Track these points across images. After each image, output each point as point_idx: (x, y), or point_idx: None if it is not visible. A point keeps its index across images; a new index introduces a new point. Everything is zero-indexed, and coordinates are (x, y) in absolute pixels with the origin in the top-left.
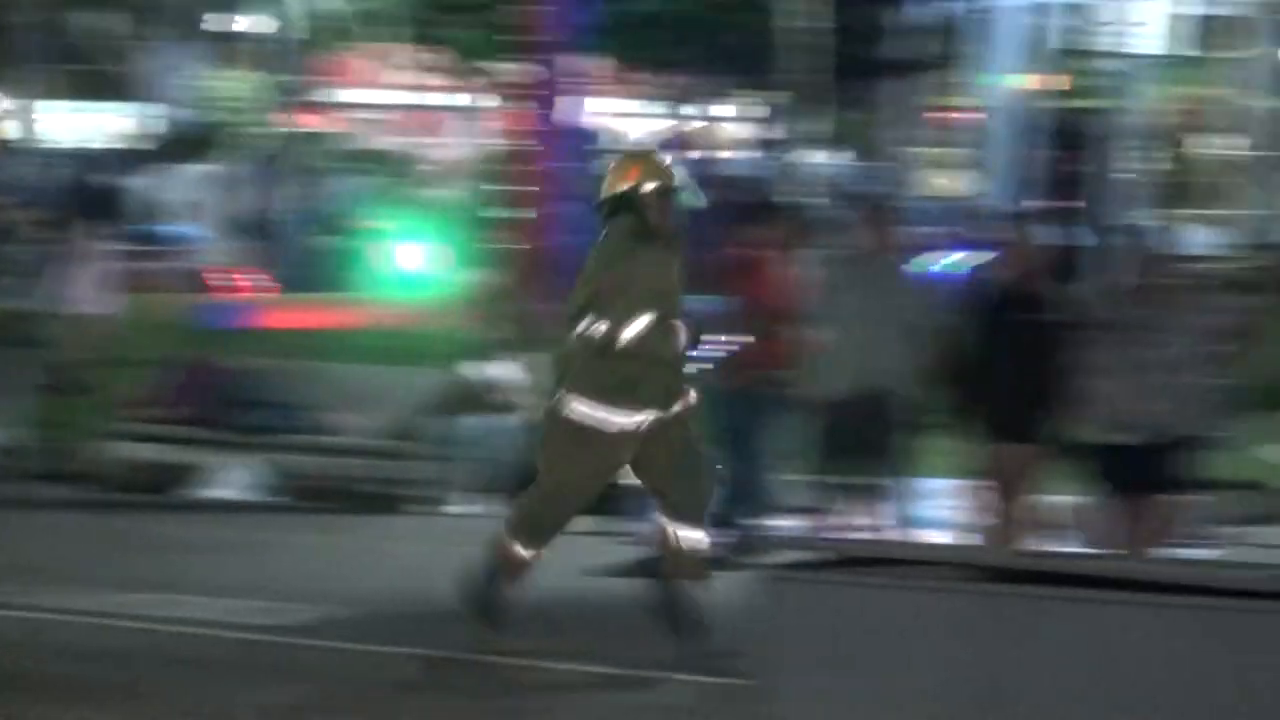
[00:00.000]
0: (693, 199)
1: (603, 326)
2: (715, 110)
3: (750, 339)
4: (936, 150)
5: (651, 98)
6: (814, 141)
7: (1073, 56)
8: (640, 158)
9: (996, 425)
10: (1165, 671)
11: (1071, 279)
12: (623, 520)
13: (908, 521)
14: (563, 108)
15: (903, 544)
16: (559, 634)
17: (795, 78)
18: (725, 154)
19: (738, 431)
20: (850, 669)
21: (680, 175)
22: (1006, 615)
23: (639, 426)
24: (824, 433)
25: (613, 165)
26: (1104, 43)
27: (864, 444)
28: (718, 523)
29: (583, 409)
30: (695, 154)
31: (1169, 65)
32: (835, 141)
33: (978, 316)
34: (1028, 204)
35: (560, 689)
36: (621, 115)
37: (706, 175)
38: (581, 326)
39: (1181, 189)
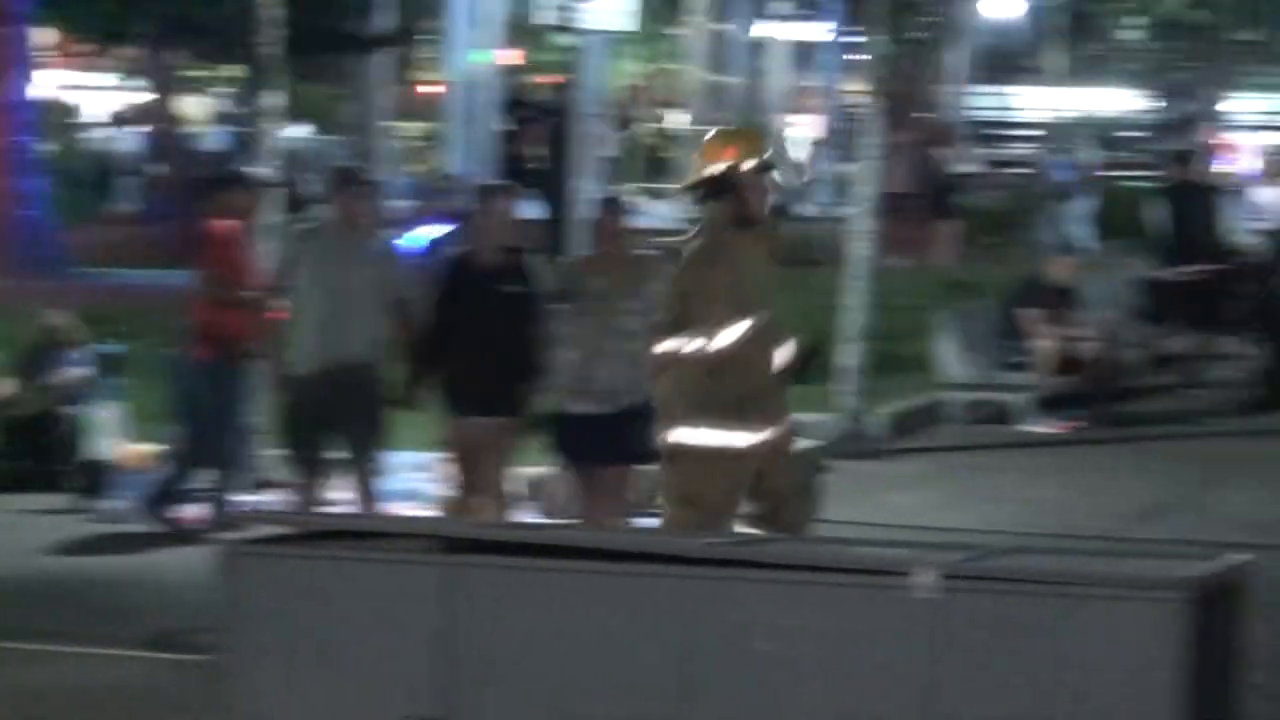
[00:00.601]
0: (787, 177)
1: (700, 339)
2: (180, 83)
3: (219, 311)
4: (408, 124)
5: (113, 71)
6: (284, 115)
7: (536, 32)
8: (737, 134)
9: (476, 398)
10: (623, 637)
11: (538, 251)
12: (81, 498)
13: (380, 495)
14: (10, 81)
15: (373, 517)
16: (18, 612)
17: (264, 50)
18: (192, 128)
19: (207, 405)
20: (315, 642)
21: (774, 151)
22: (475, 586)
23: (762, 445)
24: (297, 406)
25: (705, 143)
26: (565, 19)
27: (337, 418)
28: (187, 497)
29: (698, 436)
30: (159, 128)
31: (639, 41)
32: (306, 115)
33: (456, 290)
34: (506, 178)
35: (18, 667)
36: (80, 89)
37: (171, 149)
38: (676, 341)
39: (639, 162)
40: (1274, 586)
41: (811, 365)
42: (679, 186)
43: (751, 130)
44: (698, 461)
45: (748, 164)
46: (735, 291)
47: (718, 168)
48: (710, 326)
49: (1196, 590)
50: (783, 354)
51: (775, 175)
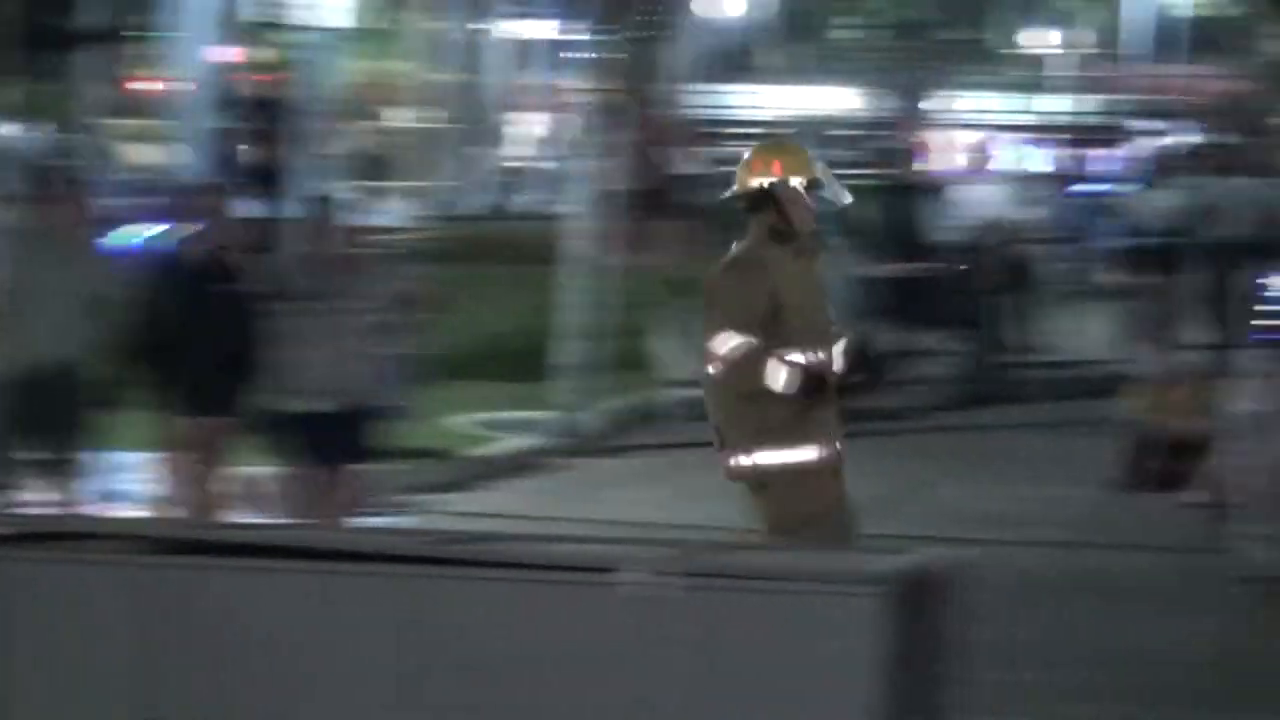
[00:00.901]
0: (836, 195)
1: (714, 355)
2: None
3: None
4: (133, 122)
5: None
6: (2, 113)
7: (267, 29)
8: (784, 148)
9: (191, 398)
10: (337, 639)
11: (267, 250)
12: None
13: (97, 496)
14: None
15: (77, 518)
16: None
17: None
18: None
19: None
20: (14, 646)
21: (824, 168)
22: (183, 588)
23: (822, 460)
24: (9, 407)
25: (749, 155)
26: (296, 16)
27: (51, 418)
28: None
29: (754, 459)
30: None
31: (361, 38)
32: (26, 113)
33: (173, 289)
34: (224, 176)
35: None
36: None
37: None
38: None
39: (376, 161)
40: (984, 579)
41: (867, 366)
42: (723, 197)
43: (798, 146)
44: (781, 485)
45: (795, 179)
46: (765, 305)
47: (763, 180)
48: (724, 342)
49: (893, 584)
50: (834, 365)
51: (824, 193)
